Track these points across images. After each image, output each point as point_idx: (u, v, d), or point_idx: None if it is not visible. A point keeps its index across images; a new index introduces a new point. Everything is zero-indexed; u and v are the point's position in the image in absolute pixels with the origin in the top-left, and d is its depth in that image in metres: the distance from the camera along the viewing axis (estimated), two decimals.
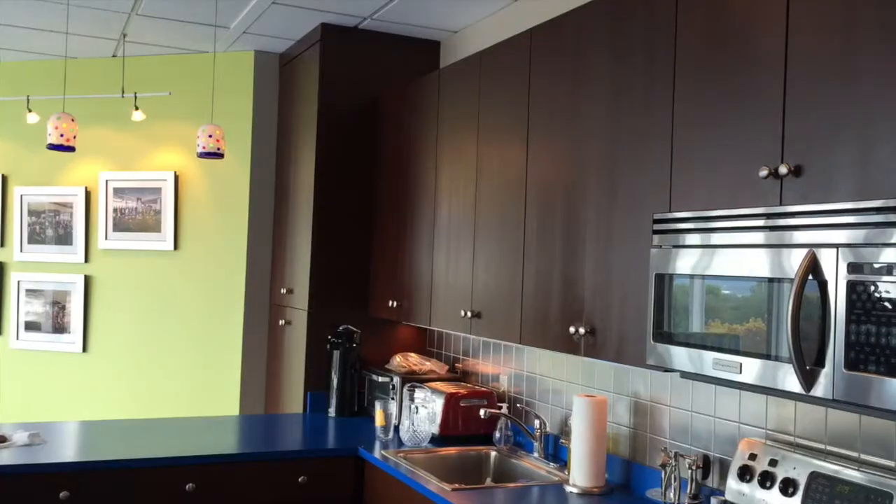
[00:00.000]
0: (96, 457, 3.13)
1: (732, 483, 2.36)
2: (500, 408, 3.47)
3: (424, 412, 3.53)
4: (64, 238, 5.12)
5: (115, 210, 5.03)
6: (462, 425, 3.53)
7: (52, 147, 3.91)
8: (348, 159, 4.31)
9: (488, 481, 3.32)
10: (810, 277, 1.78)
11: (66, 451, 3.28)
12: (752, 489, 2.29)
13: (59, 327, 5.11)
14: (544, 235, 2.88)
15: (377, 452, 3.32)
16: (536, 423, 3.27)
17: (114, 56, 4.92)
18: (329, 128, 4.28)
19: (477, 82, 3.36)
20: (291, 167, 4.63)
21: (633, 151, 2.46)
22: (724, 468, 2.49)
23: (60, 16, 4.18)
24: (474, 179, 3.34)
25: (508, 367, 3.61)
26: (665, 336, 2.20)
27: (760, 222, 1.95)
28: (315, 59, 4.31)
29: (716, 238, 2.07)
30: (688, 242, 2.15)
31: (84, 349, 5.07)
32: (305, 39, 4.46)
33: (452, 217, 3.51)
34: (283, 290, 4.59)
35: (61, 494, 2.91)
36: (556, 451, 3.24)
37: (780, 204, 1.93)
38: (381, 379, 3.99)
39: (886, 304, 1.63)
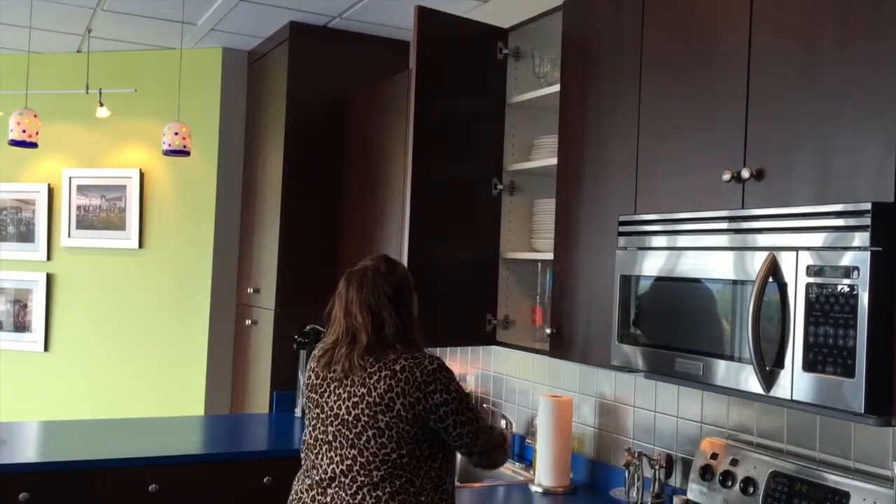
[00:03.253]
0: (57, 457, 3.09)
1: (694, 482, 2.39)
2: None
3: None
4: (26, 235, 5.04)
5: (78, 207, 4.96)
6: None
7: (14, 143, 3.85)
8: (316, 158, 4.29)
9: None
10: (771, 280, 1.81)
11: (27, 451, 3.23)
12: (713, 488, 2.32)
13: (21, 326, 5.03)
14: None
15: None
16: (503, 422, 3.28)
17: (78, 51, 4.85)
18: (297, 126, 4.26)
19: None
20: (259, 166, 4.60)
21: (599, 153, 2.48)
22: (686, 467, 2.51)
23: (24, 10, 4.12)
24: None
25: (475, 368, 3.62)
26: (630, 337, 2.22)
27: (724, 225, 1.98)
28: (283, 58, 4.29)
29: (680, 240, 2.09)
30: (653, 244, 2.17)
31: (46, 348, 4.99)
32: (274, 37, 4.44)
33: None
34: (250, 290, 4.56)
35: (21, 496, 2.86)
36: (522, 451, 3.25)
37: (743, 207, 1.96)
38: None
39: (843, 306, 1.66)
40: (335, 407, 2.15)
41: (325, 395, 2.18)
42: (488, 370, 3.53)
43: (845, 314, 1.65)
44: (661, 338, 2.13)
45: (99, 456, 3.09)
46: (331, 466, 2.14)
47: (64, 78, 4.84)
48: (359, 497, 2.08)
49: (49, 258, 5.01)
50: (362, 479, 2.09)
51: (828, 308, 1.69)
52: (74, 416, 4.61)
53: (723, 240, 1.97)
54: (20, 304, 5.04)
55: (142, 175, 4.87)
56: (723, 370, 1.93)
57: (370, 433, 2.09)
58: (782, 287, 1.79)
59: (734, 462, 2.29)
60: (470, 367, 3.66)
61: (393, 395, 2.09)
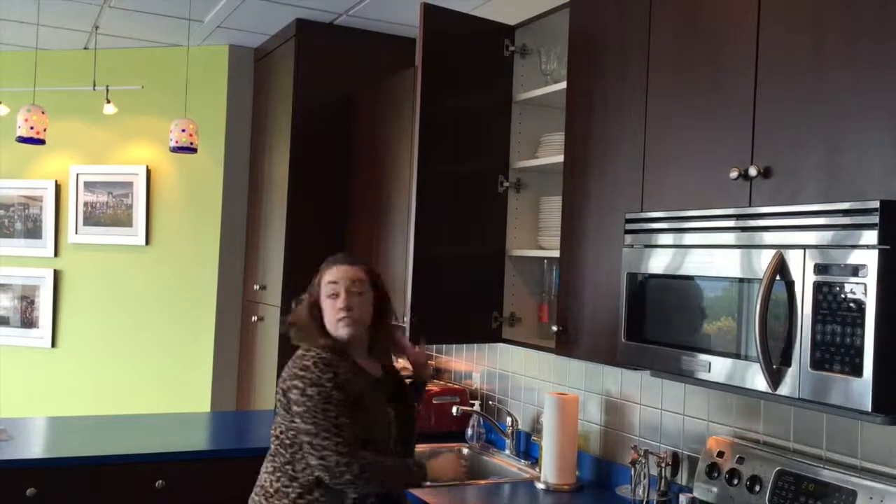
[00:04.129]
0: (64, 453, 3.10)
1: (700, 480, 2.38)
2: (473, 405, 3.47)
3: None
4: (33, 232, 5.06)
5: (85, 204, 4.98)
6: (435, 422, 3.53)
7: (22, 140, 3.86)
8: (323, 155, 4.29)
9: None
10: (778, 278, 1.80)
11: (34, 447, 3.24)
12: (719, 486, 2.32)
13: (28, 322, 5.05)
14: None
15: None
16: (508, 420, 3.28)
17: (85, 48, 4.87)
18: (303, 123, 4.26)
19: None
20: (265, 163, 4.61)
21: (606, 150, 2.48)
22: (692, 466, 2.51)
23: (31, 6, 4.13)
24: None
25: (481, 365, 3.62)
26: (636, 335, 2.22)
27: (731, 223, 1.97)
28: (290, 55, 4.29)
29: (687, 238, 2.09)
30: (660, 242, 2.17)
31: (53, 344, 5.01)
32: (280, 34, 4.44)
33: None
34: (256, 287, 4.56)
35: (28, 491, 2.87)
36: (528, 449, 3.25)
37: (750, 205, 1.95)
38: None
39: (851, 304, 1.65)
40: None
41: None
42: (494, 367, 3.53)
43: (853, 312, 1.65)
44: (667, 336, 2.13)
45: (106, 452, 3.10)
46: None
47: (71, 75, 4.85)
48: (266, 463, 2.34)
49: (56, 255, 5.03)
50: (269, 448, 2.33)
51: (835, 306, 1.68)
52: (81, 411, 4.62)
53: (730, 238, 1.96)
54: (27, 300, 5.05)
55: (148, 172, 4.88)
56: (729, 368, 1.92)
57: (276, 412, 2.33)
58: (789, 285, 1.78)
59: (740, 460, 2.29)
60: (476, 364, 3.66)
61: (280, 380, 2.29)
